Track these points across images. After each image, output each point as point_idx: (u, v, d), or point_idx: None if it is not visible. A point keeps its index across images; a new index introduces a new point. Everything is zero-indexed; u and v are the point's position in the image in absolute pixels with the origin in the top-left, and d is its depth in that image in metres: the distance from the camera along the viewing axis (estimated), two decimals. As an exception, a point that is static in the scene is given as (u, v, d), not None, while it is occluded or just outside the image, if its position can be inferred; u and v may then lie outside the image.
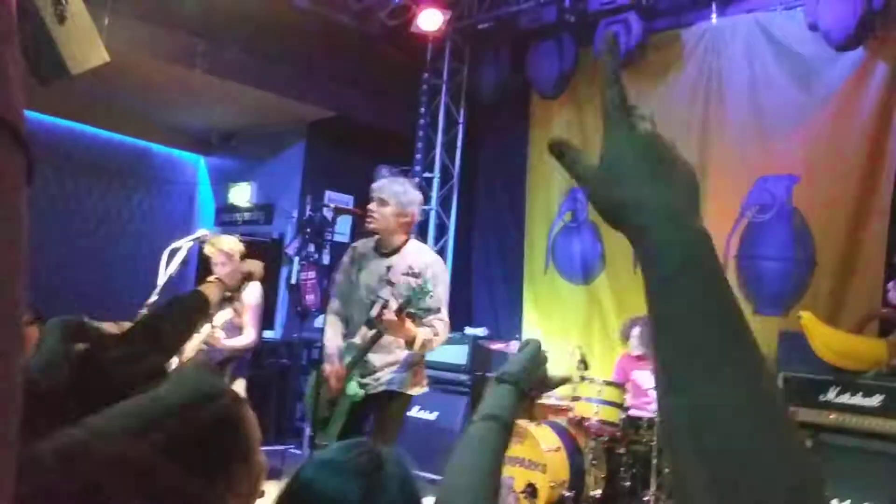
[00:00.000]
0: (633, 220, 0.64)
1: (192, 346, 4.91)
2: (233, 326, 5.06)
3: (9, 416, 0.42)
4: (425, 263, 3.81)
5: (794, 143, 5.62)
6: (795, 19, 5.54)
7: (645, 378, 5.49)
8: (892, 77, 5.23)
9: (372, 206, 3.87)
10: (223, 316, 4.94)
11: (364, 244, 4.03)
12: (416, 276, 3.77)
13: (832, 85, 5.46)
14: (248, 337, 5.07)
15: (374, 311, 3.75)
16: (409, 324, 3.66)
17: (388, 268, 3.83)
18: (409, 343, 3.68)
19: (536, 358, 1.39)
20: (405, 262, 3.82)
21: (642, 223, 0.63)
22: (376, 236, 3.97)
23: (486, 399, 1.27)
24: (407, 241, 3.91)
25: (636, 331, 5.52)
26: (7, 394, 0.42)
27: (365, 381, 3.80)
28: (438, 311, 3.75)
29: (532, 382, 1.33)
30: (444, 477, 1.13)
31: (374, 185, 3.94)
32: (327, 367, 3.84)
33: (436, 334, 3.72)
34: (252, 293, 5.16)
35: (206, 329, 4.86)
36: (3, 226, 0.42)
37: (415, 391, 3.86)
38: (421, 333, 3.68)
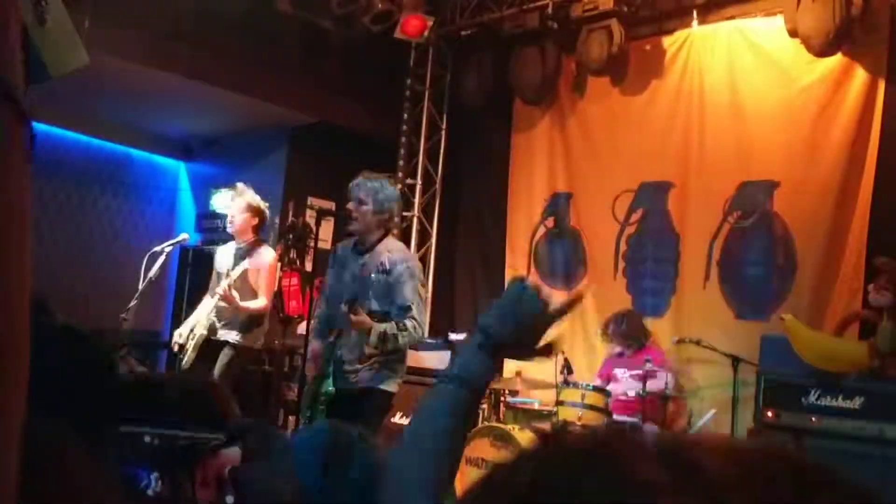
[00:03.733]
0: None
1: (207, 308, 4.92)
2: (246, 289, 5.04)
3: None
4: (396, 259, 3.82)
5: (775, 149, 5.66)
6: (775, 25, 5.59)
7: (621, 373, 5.51)
8: (871, 82, 5.29)
9: (350, 205, 3.89)
10: (238, 271, 4.93)
11: (343, 247, 4.06)
12: (387, 273, 3.78)
13: (812, 90, 5.51)
14: (260, 301, 5.07)
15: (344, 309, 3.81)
16: (361, 317, 3.67)
17: (363, 266, 3.86)
18: (368, 334, 3.70)
19: (519, 304, 1.14)
20: (377, 259, 3.83)
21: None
22: (355, 237, 3.99)
23: (455, 356, 1.15)
24: (382, 238, 3.92)
25: (615, 328, 5.59)
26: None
27: (340, 379, 3.81)
28: (409, 309, 3.73)
29: (511, 338, 1.13)
30: (399, 442, 1.08)
31: (351, 185, 3.95)
32: (308, 366, 3.91)
33: (401, 330, 3.70)
34: (267, 255, 5.15)
35: (222, 285, 4.85)
36: None
37: (390, 387, 3.86)
38: (378, 326, 3.67)
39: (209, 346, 5.01)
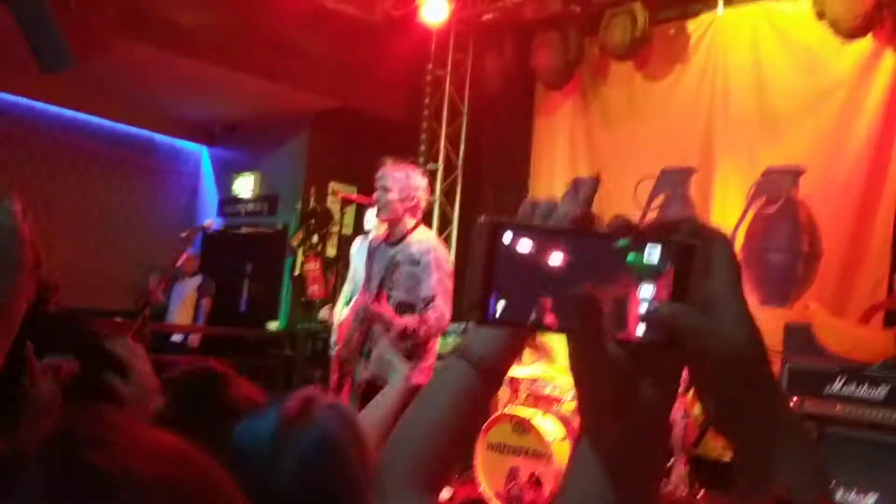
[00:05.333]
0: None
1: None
2: None
3: None
4: (425, 249, 3.81)
5: (801, 135, 5.59)
6: (802, 8, 5.51)
7: None
8: (900, 67, 5.20)
9: (377, 194, 3.89)
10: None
11: (377, 237, 4.07)
12: (416, 263, 3.78)
13: (839, 75, 5.43)
14: None
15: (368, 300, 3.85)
16: (383, 309, 3.68)
17: (393, 256, 3.86)
18: (388, 330, 3.70)
19: None
20: (408, 250, 3.83)
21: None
22: (386, 227, 3.99)
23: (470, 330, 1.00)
24: (414, 228, 3.91)
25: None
26: None
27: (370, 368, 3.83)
28: (433, 300, 3.74)
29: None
30: (400, 421, 0.99)
31: (378, 174, 3.94)
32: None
33: (424, 322, 3.70)
34: None
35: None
36: None
37: (417, 379, 3.86)
38: (399, 323, 3.68)
39: None
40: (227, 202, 8.82)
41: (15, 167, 7.71)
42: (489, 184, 7.66)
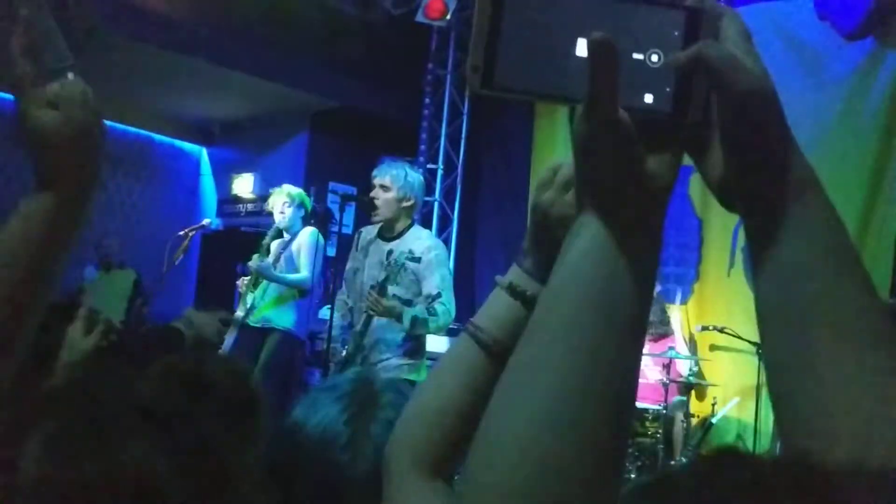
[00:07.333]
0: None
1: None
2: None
3: None
4: (426, 247, 3.80)
5: (803, 134, 5.55)
6: (804, 8, 5.49)
7: (643, 360, 5.45)
8: (903, 67, 5.19)
9: (374, 192, 3.87)
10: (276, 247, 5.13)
11: (369, 230, 4.05)
12: (416, 260, 3.77)
13: (841, 75, 5.41)
14: (300, 276, 5.20)
15: (372, 295, 3.80)
16: (390, 301, 3.66)
17: (389, 252, 3.84)
18: (398, 321, 3.70)
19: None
20: (406, 246, 3.82)
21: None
22: (381, 223, 3.98)
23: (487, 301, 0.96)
24: (410, 225, 3.91)
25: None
26: None
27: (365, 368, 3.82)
28: (439, 295, 3.73)
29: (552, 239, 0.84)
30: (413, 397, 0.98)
31: (375, 172, 3.93)
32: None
33: (432, 314, 3.70)
34: (307, 234, 5.28)
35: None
36: None
37: (412, 376, 3.85)
38: (408, 311, 3.68)
39: None
40: (227, 202, 8.79)
41: (12, 168, 7.68)
42: (490, 184, 7.64)
